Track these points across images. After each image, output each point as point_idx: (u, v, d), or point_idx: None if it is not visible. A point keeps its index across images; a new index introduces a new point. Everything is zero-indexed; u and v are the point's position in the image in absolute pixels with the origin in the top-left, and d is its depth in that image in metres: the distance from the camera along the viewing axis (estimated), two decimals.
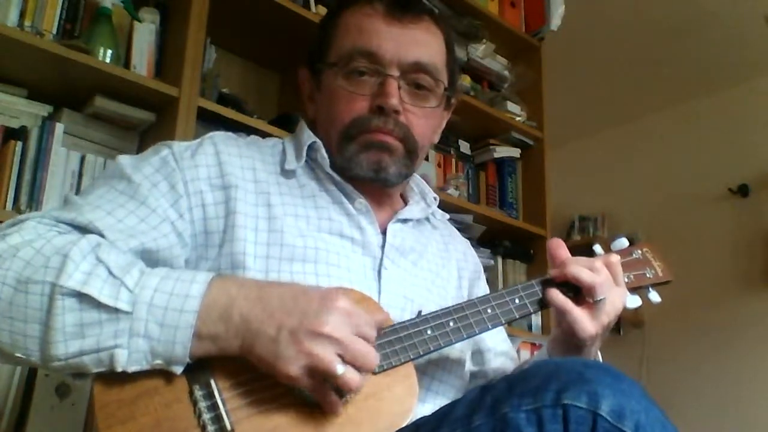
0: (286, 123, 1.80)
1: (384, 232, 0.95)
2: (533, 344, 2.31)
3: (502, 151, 2.47)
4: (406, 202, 1.05)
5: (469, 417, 0.65)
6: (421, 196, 1.06)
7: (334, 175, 0.93)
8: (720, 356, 3.17)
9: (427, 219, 1.06)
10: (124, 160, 0.85)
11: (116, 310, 0.65)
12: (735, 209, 3.33)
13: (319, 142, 0.94)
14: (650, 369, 3.23)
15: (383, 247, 0.93)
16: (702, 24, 3.00)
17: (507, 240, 2.42)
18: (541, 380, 0.63)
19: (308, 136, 0.95)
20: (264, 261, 0.83)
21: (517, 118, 2.46)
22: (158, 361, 0.66)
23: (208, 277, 0.69)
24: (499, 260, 2.39)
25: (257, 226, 0.85)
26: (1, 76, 1.50)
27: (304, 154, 0.94)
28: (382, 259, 0.92)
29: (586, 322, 0.84)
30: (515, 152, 2.51)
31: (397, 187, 1.00)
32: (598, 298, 0.83)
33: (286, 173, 0.93)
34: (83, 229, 0.74)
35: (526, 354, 2.25)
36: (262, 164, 0.92)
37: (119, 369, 0.65)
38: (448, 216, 1.13)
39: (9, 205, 1.41)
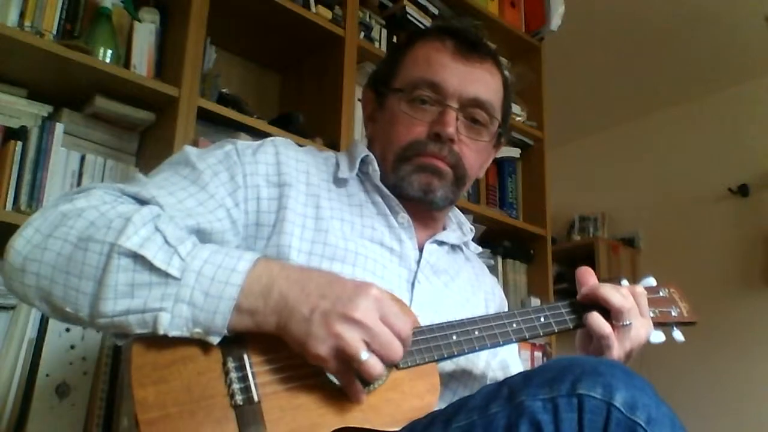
0: (286, 123, 1.80)
1: (421, 250, 1.00)
2: (533, 345, 2.31)
3: (502, 151, 2.47)
4: (443, 229, 1.09)
5: (486, 406, 0.68)
6: (458, 226, 1.12)
7: (383, 188, 0.99)
8: (720, 356, 3.17)
9: (461, 249, 1.12)
10: (190, 149, 0.91)
11: (166, 275, 0.68)
12: (735, 209, 3.33)
13: (372, 156, 1.00)
14: (650, 369, 3.22)
15: (419, 262, 0.98)
16: (702, 24, 3.00)
17: (507, 240, 2.42)
18: (557, 372, 0.66)
19: (362, 150, 1.01)
20: (307, 256, 0.88)
21: (517, 118, 2.46)
22: (198, 330, 0.69)
23: (255, 256, 0.72)
24: (499, 260, 2.40)
25: (305, 224, 0.90)
26: (1, 76, 1.50)
27: (357, 165, 1.00)
28: (416, 273, 0.96)
29: (615, 346, 0.88)
30: (515, 152, 2.51)
31: (441, 210, 1.05)
32: (626, 323, 0.88)
33: (338, 182, 0.99)
34: (145, 203, 0.79)
35: (526, 353, 2.25)
36: (316, 170, 0.98)
37: (161, 332, 0.68)
38: (480, 249, 1.18)
39: (9, 205, 1.41)
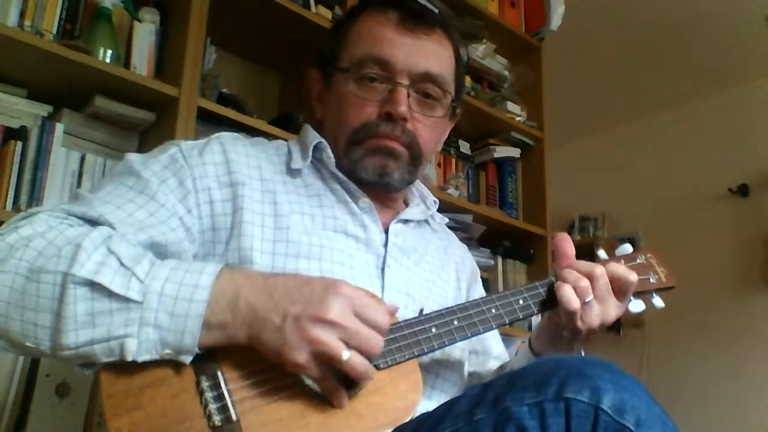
0: (286, 123, 1.80)
1: (386, 232, 0.97)
2: None
3: (502, 151, 2.47)
4: (407, 205, 1.07)
5: (471, 411, 0.66)
6: (421, 199, 1.08)
7: (339, 174, 0.95)
8: (720, 356, 3.17)
9: (427, 222, 1.08)
10: (133, 157, 0.86)
11: (127, 300, 0.65)
12: (735, 209, 3.33)
13: (325, 142, 0.96)
14: (650, 369, 3.23)
15: (386, 245, 0.95)
16: (702, 24, 3.00)
17: (507, 240, 2.42)
18: (543, 375, 0.64)
19: (314, 137, 0.97)
20: (270, 257, 0.85)
21: (517, 118, 2.46)
22: (167, 351, 0.66)
23: (217, 268, 0.69)
24: (499, 260, 2.40)
25: (264, 223, 0.87)
26: (1, 76, 1.50)
27: (310, 153, 0.96)
28: (385, 258, 0.94)
29: (578, 323, 0.85)
30: (515, 152, 2.51)
31: (400, 191, 1.02)
32: (586, 300, 0.84)
33: (292, 172, 0.95)
34: (94, 222, 0.75)
35: None
36: (268, 163, 0.94)
37: (129, 358, 0.65)
38: (447, 220, 1.15)
39: (9, 205, 1.41)
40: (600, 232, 3.78)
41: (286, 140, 1.03)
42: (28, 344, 0.67)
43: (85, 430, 1.33)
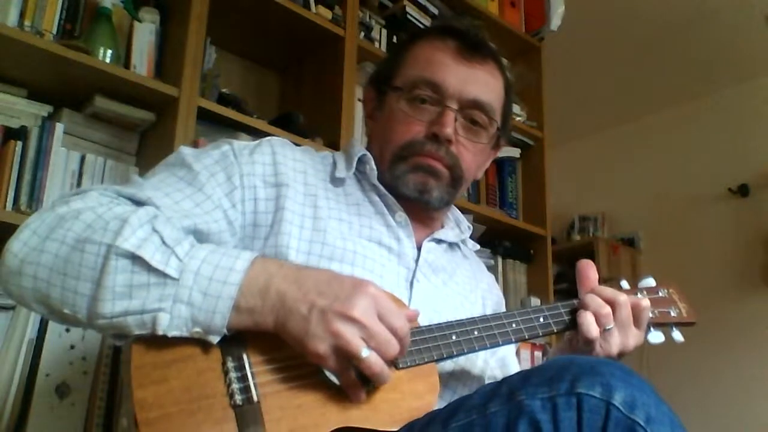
0: (286, 123, 1.80)
1: (419, 248, 0.99)
2: (533, 344, 2.31)
3: (502, 151, 2.45)
4: (441, 227, 1.09)
5: (485, 404, 0.68)
6: (456, 224, 1.12)
7: (380, 186, 0.99)
8: (720, 356, 3.17)
9: (459, 246, 1.11)
10: (186, 150, 0.90)
11: (165, 275, 0.68)
12: (735, 209, 3.33)
13: (369, 155, 1.00)
14: (650, 369, 3.22)
15: (417, 260, 0.98)
16: (702, 24, 3.00)
17: (507, 240, 2.42)
18: (556, 372, 0.66)
19: (359, 149, 1.02)
20: (305, 256, 0.88)
21: (517, 118, 2.46)
22: (197, 329, 0.69)
23: (253, 255, 0.72)
24: (499, 260, 2.40)
25: (303, 224, 0.90)
26: (1, 76, 1.50)
27: (354, 164, 1.00)
28: (415, 272, 0.96)
29: (597, 350, 0.87)
30: (515, 152, 2.51)
31: (438, 210, 1.04)
32: (606, 327, 0.87)
33: (335, 181, 0.99)
34: (142, 204, 0.79)
35: (526, 353, 2.25)
36: (313, 170, 0.98)
37: (160, 332, 0.68)
38: (477, 247, 1.18)
39: (9, 205, 1.41)
40: (600, 232, 3.78)
41: (332, 152, 1.07)
42: (65, 311, 0.70)
43: (85, 430, 1.33)
